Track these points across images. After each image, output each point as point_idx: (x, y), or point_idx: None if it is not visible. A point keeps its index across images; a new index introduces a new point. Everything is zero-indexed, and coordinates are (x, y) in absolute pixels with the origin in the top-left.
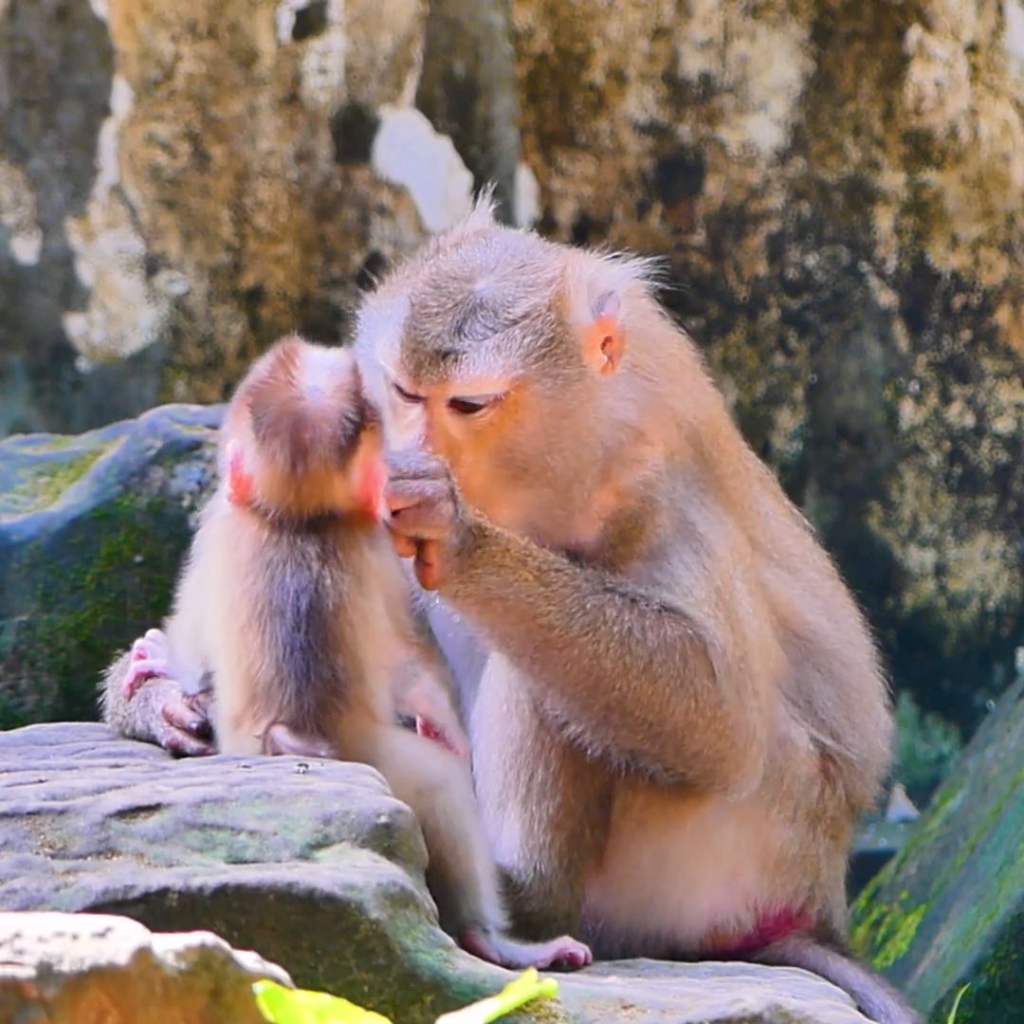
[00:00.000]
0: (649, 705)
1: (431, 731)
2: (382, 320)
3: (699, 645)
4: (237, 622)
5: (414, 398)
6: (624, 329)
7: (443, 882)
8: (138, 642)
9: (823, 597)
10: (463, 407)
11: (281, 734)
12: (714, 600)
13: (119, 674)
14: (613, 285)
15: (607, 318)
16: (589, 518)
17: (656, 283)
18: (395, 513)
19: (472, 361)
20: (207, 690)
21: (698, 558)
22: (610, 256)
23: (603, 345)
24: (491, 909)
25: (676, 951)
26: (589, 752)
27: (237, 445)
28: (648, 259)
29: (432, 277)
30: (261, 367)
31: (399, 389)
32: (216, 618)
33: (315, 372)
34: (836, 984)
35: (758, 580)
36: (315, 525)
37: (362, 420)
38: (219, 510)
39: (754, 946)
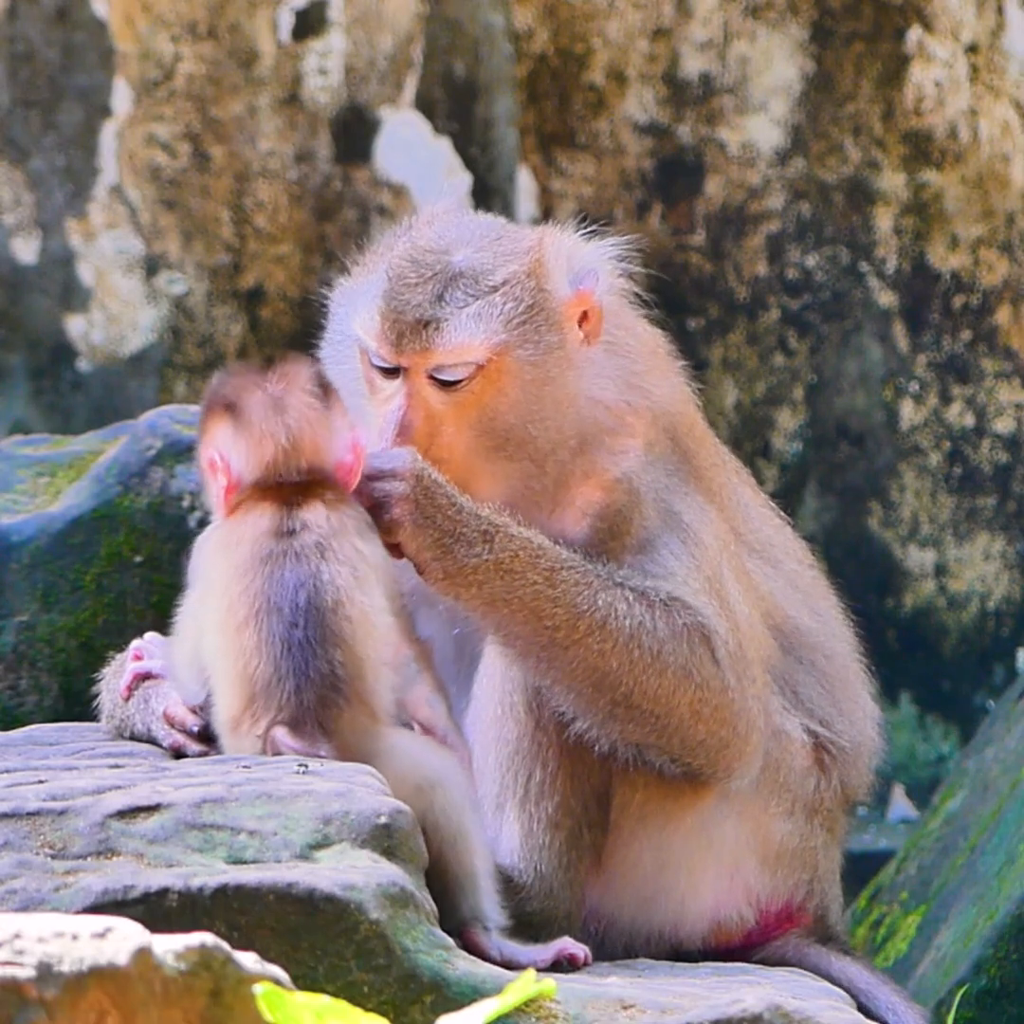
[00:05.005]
0: (656, 698)
1: (430, 736)
2: (359, 296)
3: (704, 632)
4: (234, 622)
5: (393, 373)
6: (602, 305)
7: (443, 880)
8: (135, 643)
9: (804, 589)
10: (444, 380)
11: (282, 734)
12: (708, 589)
13: (114, 676)
14: (592, 261)
15: (585, 292)
16: (575, 513)
17: (631, 265)
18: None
19: (453, 328)
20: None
21: (686, 548)
22: (587, 232)
23: (581, 321)
24: (491, 907)
25: (679, 949)
26: (588, 750)
27: (214, 448)
28: (623, 238)
29: (408, 251)
30: (214, 384)
31: (379, 363)
32: (215, 622)
33: (271, 371)
34: (839, 983)
35: (743, 567)
36: (308, 503)
37: (330, 391)
38: (212, 528)
39: (756, 943)
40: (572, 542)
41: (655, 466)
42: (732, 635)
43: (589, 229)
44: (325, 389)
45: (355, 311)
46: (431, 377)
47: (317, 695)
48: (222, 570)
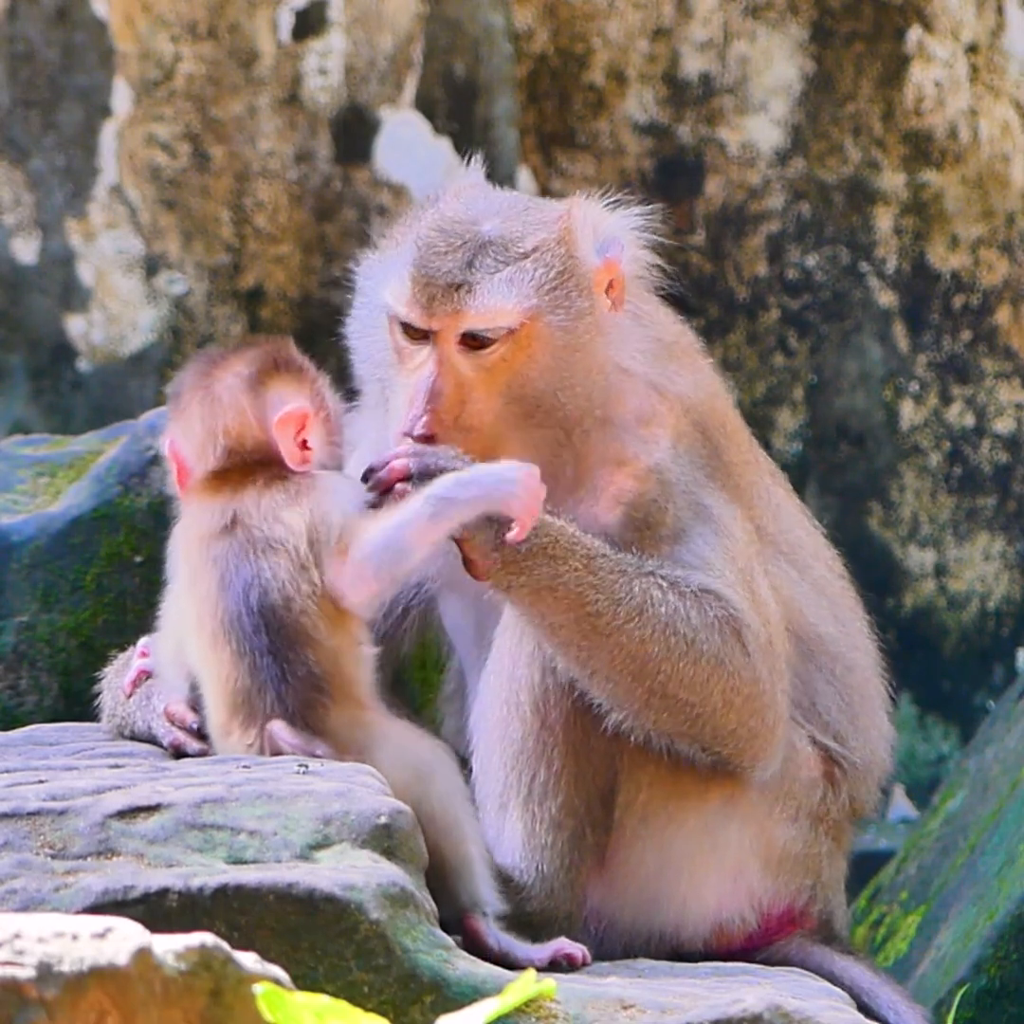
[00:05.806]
0: (691, 686)
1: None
2: (387, 267)
3: (735, 625)
4: (206, 631)
5: (423, 338)
6: (627, 275)
7: (440, 868)
8: (143, 640)
9: (830, 597)
10: (474, 343)
11: (280, 728)
12: (741, 581)
13: (116, 675)
14: (618, 231)
15: (613, 261)
16: (608, 500)
17: (655, 236)
18: None
19: (486, 291)
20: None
21: (719, 539)
22: (613, 202)
23: (608, 289)
24: (488, 892)
25: (680, 951)
26: (593, 750)
27: (167, 437)
28: (646, 208)
29: (437, 221)
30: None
31: (407, 331)
32: (191, 624)
33: (218, 357)
34: (842, 982)
35: (765, 568)
36: (243, 490)
37: (267, 373)
38: (177, 522)
39: (757, 946)
40: (607, 527)
41: (683, 459)
42: (763, 628)
43: (614, 199)
44: (262, 371)
45: (384, 280)
46: (462, 342)
47: (300, 699)
48: (183, 575)
